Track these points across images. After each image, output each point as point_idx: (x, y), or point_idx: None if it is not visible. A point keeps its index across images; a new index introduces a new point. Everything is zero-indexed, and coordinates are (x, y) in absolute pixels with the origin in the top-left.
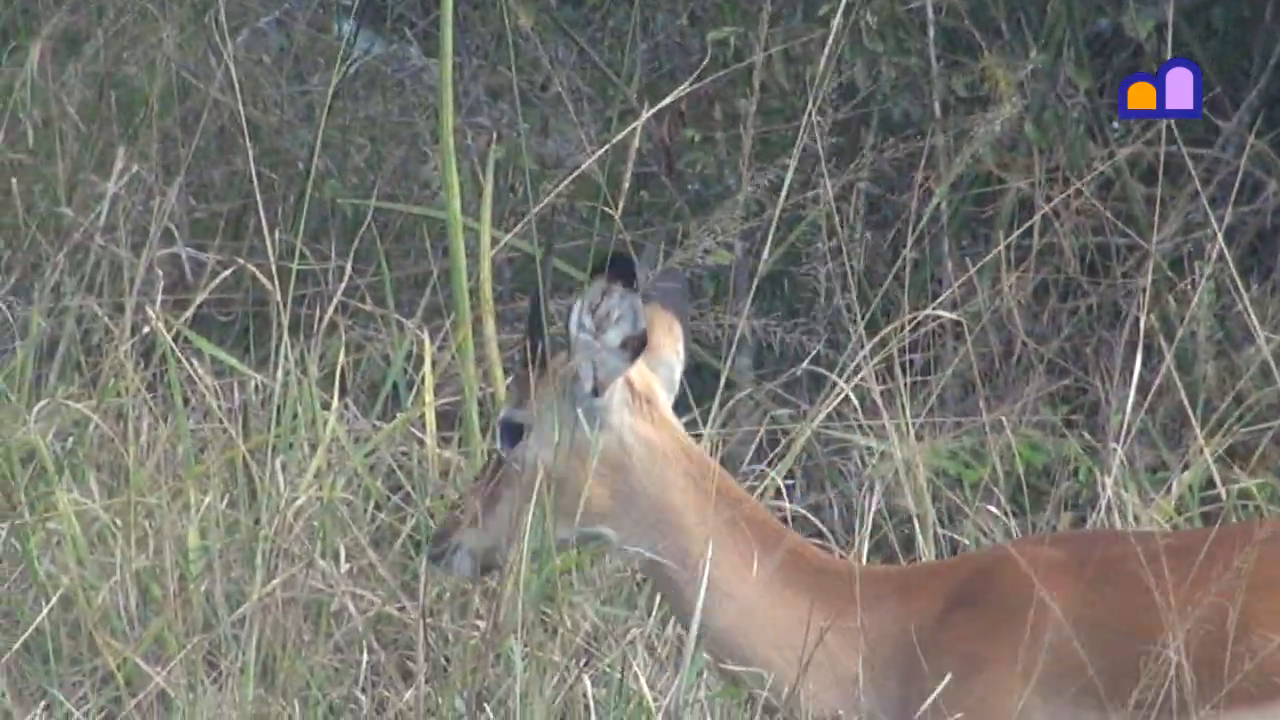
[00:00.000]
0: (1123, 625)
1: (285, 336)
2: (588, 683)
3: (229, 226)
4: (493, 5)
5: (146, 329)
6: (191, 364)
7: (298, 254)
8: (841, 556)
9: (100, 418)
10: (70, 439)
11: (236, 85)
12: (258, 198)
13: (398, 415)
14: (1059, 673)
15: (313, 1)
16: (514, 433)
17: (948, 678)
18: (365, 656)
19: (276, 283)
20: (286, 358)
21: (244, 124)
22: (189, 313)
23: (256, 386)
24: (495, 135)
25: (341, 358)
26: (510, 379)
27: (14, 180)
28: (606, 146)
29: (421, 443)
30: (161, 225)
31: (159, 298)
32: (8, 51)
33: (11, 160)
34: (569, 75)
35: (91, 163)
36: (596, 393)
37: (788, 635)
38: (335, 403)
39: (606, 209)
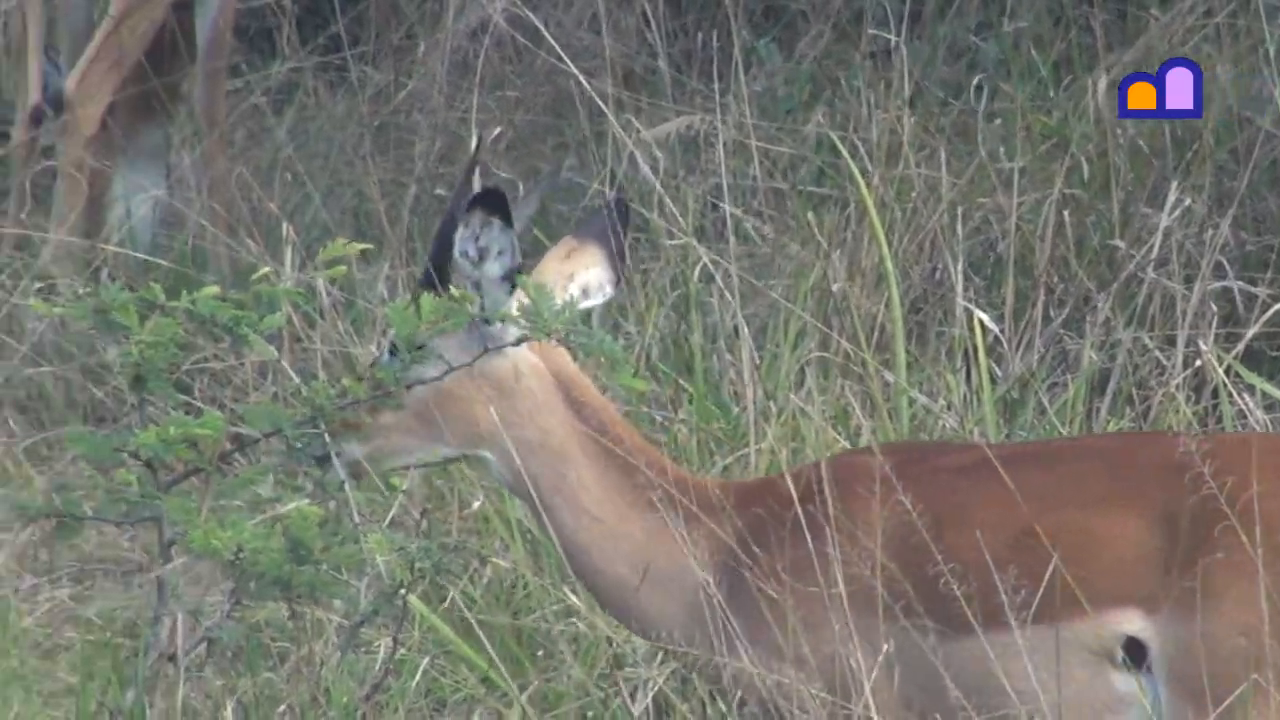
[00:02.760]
0: (929, 540)
1: None
2: None
3: None
4: None
5: (1198, 363)
6: (1243, 399)
7: None
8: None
9: None
10: None
11: None
12: None
13: None
14: (870, 584)
15: None
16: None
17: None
18: None
19: None
20: None
21: None
22: (1240, 347)
23: None
24: None
25: None
26: (409, 297)
27: (1066, 213)
28: None
29: None
30: (1213, 258)
31: (1210, 332)
32: (1063, 86)
33: (1066, 194)
34: None
35: (1144, 196)
36: (489, 321)
37: (642, 552)
38: None
39: None
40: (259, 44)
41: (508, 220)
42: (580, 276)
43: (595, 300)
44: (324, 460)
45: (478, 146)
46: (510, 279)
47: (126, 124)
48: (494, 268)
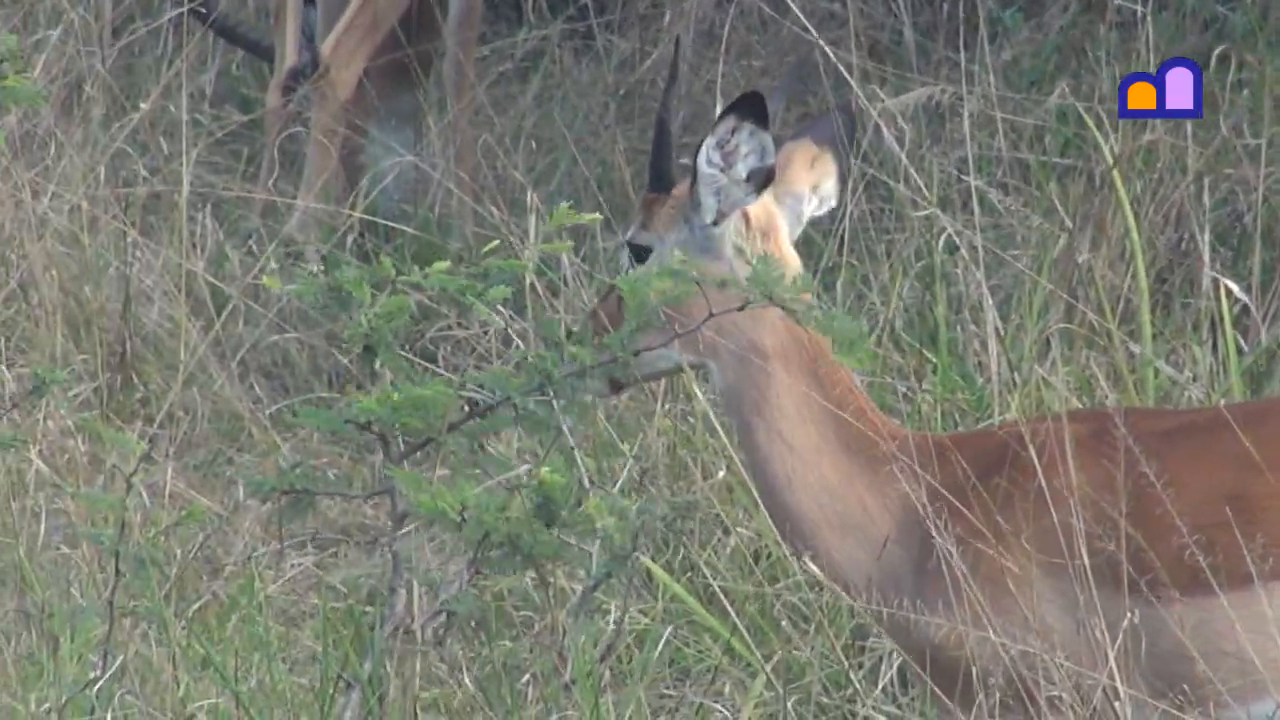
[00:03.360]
0: (1133, 505)
1: None
2: None
3: None
4: None
5: None
6: None
7: None
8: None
9: None
10: None
11: None
12: None
13: None
14: (1070, 549)
15: None
16: (639, 254)
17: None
18: None
19: None
20: None
21: None
22: None
23: None
24: None
25: None
26: (638, 202)
27: None
28: None
29: None
30: None
31: None
32: None
33: None
34: None
35: None
36: (716, 222)
37: (831, 492)
38: None
39: None
40: (505, 12)
41: (763, 123)
42: (822, 186)
43: (823, 210)
44: (579, 377)
45: (677, 49)
46: (753, 179)
47: (380, 90)
48: (740, 169)
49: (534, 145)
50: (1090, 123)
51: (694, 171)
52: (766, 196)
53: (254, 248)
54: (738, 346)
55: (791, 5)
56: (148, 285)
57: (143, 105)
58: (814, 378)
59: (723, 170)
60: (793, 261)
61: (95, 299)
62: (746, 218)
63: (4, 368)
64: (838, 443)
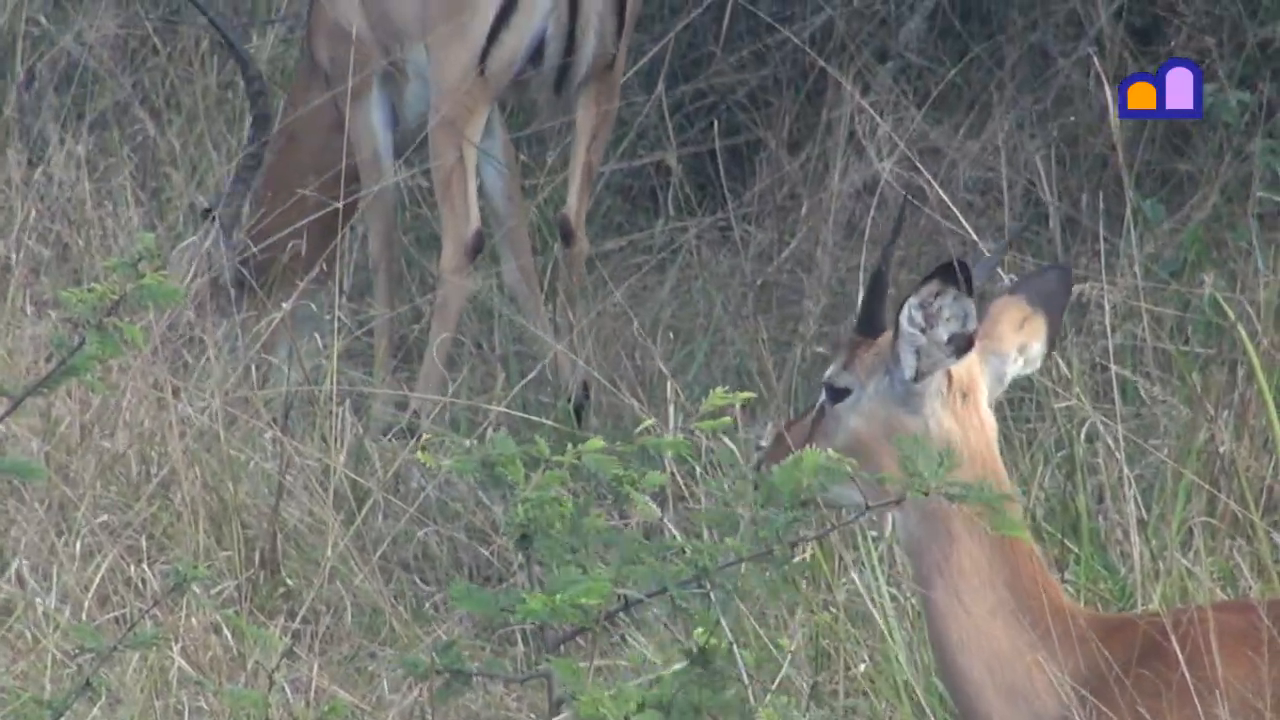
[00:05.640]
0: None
1: None
2: None
3: None
4: None
5: None
6: None
7: None
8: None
9: None
10: None
11: None
12: None
13: None
14: None
15: None
16: (836, 394)
17: None
18: None
19: None
20: None
21: None
22: None
23: None
24: None
25: None
26: (843, 343)
27: None
28: None
29: None
30: None
31: None
32: None
33: None
34: None
35: None
36: (916, 379)
37: (1002, 661)
38: None
39: None
40: (642, 203)
41: (967, 290)
42: (1029, 348)
43: (1029, 370)
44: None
45: (904, 207)
46: (954, 343)
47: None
48: (941, 332)
49: (672, 336)
50: (1231, 314)
51: (896, 326)
52: (971, 357)
53: (393, 442)
54: (927, 504)
55: (934, 193)
56: (288, 481)
57: (285, 305)
58: (995, 542)
59: (923, 330)
60: (989, 424)
61: (237, 495)
62: (949, 376)
63: (146, 565)
64: (1014, 610)
